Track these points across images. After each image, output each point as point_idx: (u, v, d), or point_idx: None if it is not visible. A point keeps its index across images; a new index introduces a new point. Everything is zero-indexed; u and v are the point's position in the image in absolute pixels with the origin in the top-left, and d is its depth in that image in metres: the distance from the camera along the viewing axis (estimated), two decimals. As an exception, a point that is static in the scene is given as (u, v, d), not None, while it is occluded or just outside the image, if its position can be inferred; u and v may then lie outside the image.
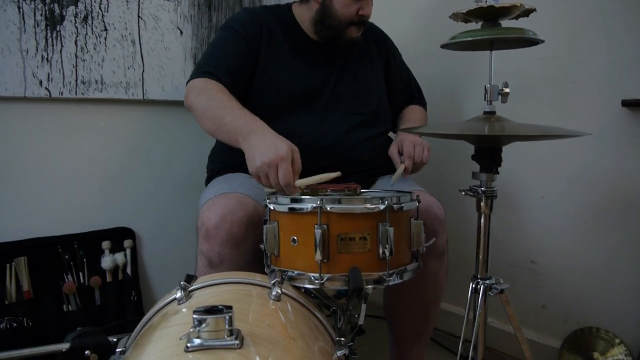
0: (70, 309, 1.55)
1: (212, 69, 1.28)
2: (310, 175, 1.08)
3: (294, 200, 0.97)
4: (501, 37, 0.91)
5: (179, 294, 0.86)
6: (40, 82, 1.50)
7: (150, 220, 1.75)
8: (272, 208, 0.99)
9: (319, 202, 0.92)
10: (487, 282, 0.98)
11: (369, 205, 0.93)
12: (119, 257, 1.65)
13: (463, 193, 0.99)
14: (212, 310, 0.67)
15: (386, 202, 0.93)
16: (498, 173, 0.98)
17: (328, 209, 0.92)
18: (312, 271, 0.94)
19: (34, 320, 1.48)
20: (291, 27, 1.42)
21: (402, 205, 0.97)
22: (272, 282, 0.90)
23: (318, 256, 0.91)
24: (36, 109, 1.52)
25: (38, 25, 1.48)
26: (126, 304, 1.64)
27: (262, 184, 1.07)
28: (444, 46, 0.97)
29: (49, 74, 1.51)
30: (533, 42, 0.93)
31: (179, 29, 1.74)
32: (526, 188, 1.58)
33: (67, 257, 1.57)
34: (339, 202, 0.94)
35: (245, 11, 1.43)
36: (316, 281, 0.93)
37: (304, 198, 0.96)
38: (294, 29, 1.42)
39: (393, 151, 1.36)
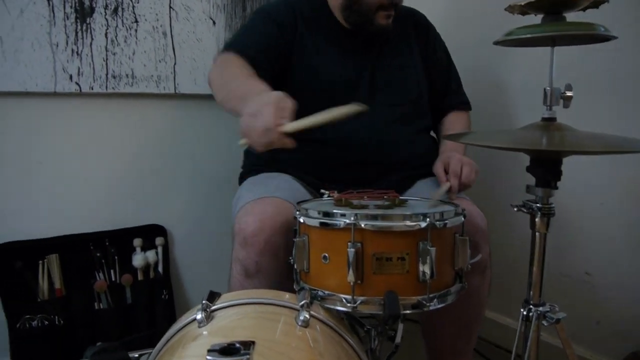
0: (101, 307, 1.53)
1: (235, 45, 1.25)
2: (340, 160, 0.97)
3: (325, 215, 0.88)
4: (567, 34, 0.78)
5: (199, 316, 0.80)
6: (71, 77, 1.47)
7: (182, 217, 1.71)
8: (301, 221, 0.91)
9: (352, 219, 0.83)
10: (541, 309, 0.88)
11: (408, 223, 0.84)
12: (151, 255, 1.61)
13: (515, 209, 0.88)
14: (228, 350, 0.60)
15: (428, 219, 0.84)
16: (557, 188, 0.86)
17: (363, 226, 0.84)
18: (345, 292, 0.86)
19: (66, 318, 1.46)
20: (324, 15, 1.35)
21: (446, 221, 0.88)
22: (301, 304, 0.82)
23: (351, 277, 0.83)
24: (66, 104, 1.49)
25: (68, 18, 1.44)
26: (157, 303, 1.61)
27: (247, 142, 0.93)
28: (497, 43, 0.86)
29: (79, 68, 1.48)
30: (604, 38, 0.80)
31: (211, 19, 1.67)
32: (583, 192, 1.44)
33: (98, 254, 1.55)
34: (375, 218, 0.85)
35: (279, 0, 1.36)
36: (348, 304, 0.85)
37: (336, 212, 0.87)
38: (328, 17, 1.35)
39: (438, 168, 1.25)
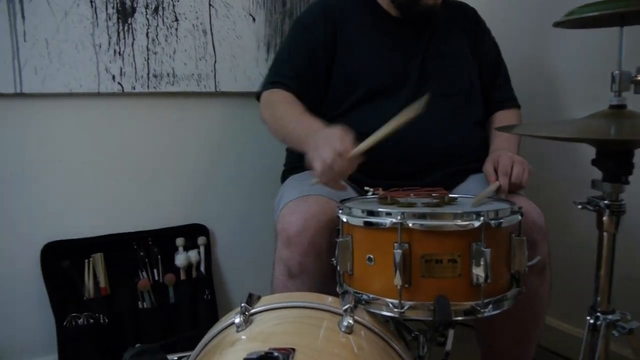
0: (144, 306, 1.53)
1: (278, 77, 1.27)
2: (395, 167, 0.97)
3: (370, 213, 0.83)
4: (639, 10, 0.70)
5: (237, 320, 0.76)
6: (113, 77, 1.47)
7: (224, 216, 1.69)
8: (345, 220, 0.87)
9: (399, 218, 0.78)
10: (610, 317, 0.79)
11: (460, 222, 0.78)
12: (193, 254, 1.61)
13: (579, 207, 0.80)
14: (266, 359, 0.56)
15: (482, 218, 0.77)
16: (628, 183, 0.77)
17: (410, 225, 0.78)
18: (391, 297, 0.80)
19: (110, 316, 1.47)
20: (369, 5, 1.31)
21: (501, 220, 0.81)
22: (344, 308, 0.78)
23: (397, 280, 0.78)
24: (109, 104, 1.49)
25: (110, 19, 1.45)
26: (200, 303, 1.60)
27: (318, 178, 0.96)
28: (558, 25, 0.78)
29: (121, 69, 1.48)
30: (683, 14, 0.71)
31: (251, 15, 1.64)
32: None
33: (141, 253, 1.55)
34: (424, 217, 0.79)
35: (316, 4, 1.33)
36: (395, 309, 0.79)
37: (382, 211, 0.82)
38: (372, 7, 1.31)
39: (488, 167, 1.17)
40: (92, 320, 1.45)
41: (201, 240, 1.63)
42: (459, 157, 1.24)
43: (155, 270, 1.57)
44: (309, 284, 1.00)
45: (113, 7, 1.45)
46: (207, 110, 1.64)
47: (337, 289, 0.90)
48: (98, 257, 1.49)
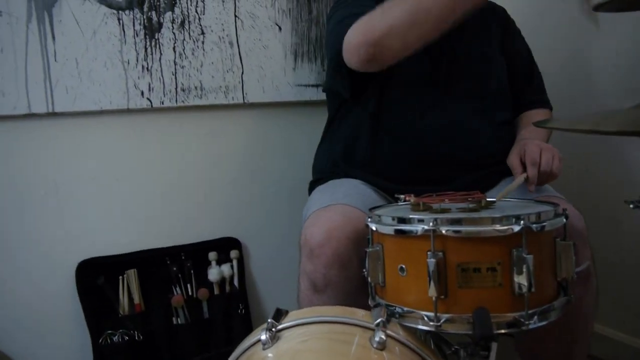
0: (179, 322, 1.52)
1: (355, 8, 1.09)
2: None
3: (401, 221, 0.78)
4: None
5: (263, 337, 0.72)
6: (142, 93, 1.48)
7: (257, 229, 1.67)
8: (374, 229, 0.82)
9: (431, 224, 0.73)
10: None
11: (498, 227, 0.72)
12: (226, 268, 1.59)
13: (632, 206, 0.73)
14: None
15: (522, 222, 0.71)
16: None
17: (443, 232, 0.72)
18: (426, 309, 0.75)
19: (145, 333, 1.46)
20: None
21: (544, 224, 0.74)
22: (376, 322, 0.73)
23: (432, 292, 0.72)
24: (139, 120, 1.50)
25: (137, 35, 1.46)
26: (234, 318, 1.58)
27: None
28: (598, 7, 0.72)
29: (149, 84, 1.49)
30: None
31: (277, 25, 1.63)
32: None
33: (175, 268, 1.54)
34: (458, 222, 0.73)
35: None
36: (431, 323, 0.74)
37: (413, 217, 0.77)
38: None
39: (513, 159, 1.10)
40: (127, 337, 1.44)
41: (234, 253, 1.61)
42: (491, 159, 1.18)
43: (188, 285, 1.55)
44: (336, 298, 0.96)
45: (140, 24, 1.46)
46: (236, 122, 1.62)
47: (369, 302, 0.85)
48: (132, 273, 1.49)
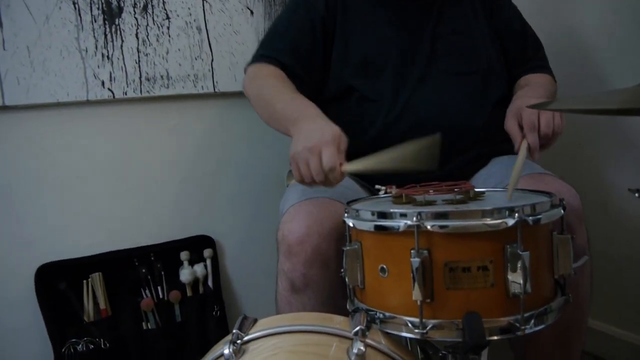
0: (149, 327, 1.42)
1: (270, 51, 1.14)
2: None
3: (381, 215, 0.70)
4: None
5: (227, 351, 0.64)
6: (103, 83, 1.37)
7: (232, 226, 1.57)
8: (351, 225, 0.74)
9: (415, 219, 0.64)
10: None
11: (489, 221, 0.64)
12: (199, 268, 1.49)
13: (637, 195, 0.65)
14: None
15: (516, 214, 0.63)
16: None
17: (429, 227, 0.64)
18: (411, 314, 0.67)
19: (112, 340, 1.36)
20: None
21: (540, 216, 0.67)
22: (354, 331, 0.65)
23: (417, 295, 0.64)
24: (100, 112, 1.39)
25: (95, 21, 1.35)
26: (209, 320, 1.49)
27: (296, 176, 0.88)
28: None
29: (110, 73, 1.38)
30: None
31: (248, 8, 1.53)
32: None
33: (144, 270, 1.44)
34: (445, 216, 0.65)
35: None
36: (416, 329, 0.66)
37: (395, 212, 0.68)
38: None
39: (511, 124, 1.01)
40: (92, 346, 1.34)
41: (207, 252, 1.52)
42: (481, 140, 1.10)
43: (159, 288, 1.46)
44: (316, 299, 0.89)
45: (98, 8, 1.35)
46: (206, 113, 1.53)
47: (347, 306, 0.77)
48: (97, 277, 1.39)
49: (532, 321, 0.65)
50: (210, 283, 1.51)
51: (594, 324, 1.44)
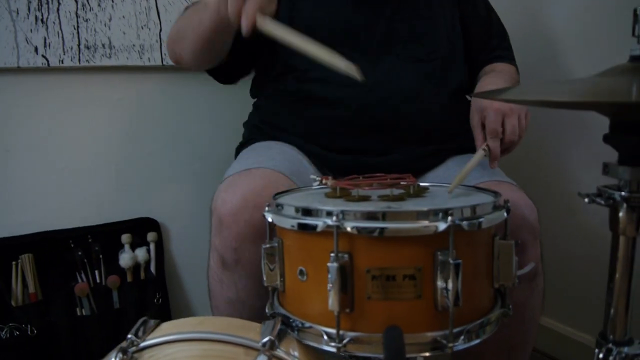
0: (83, 313, 1.33)
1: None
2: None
3: (305, 212, 0.61)
4: None
5: (114, 362, 0.55)
6: (36, 49, 1.26)
7: (178, 208, 1.48)
8: (270, 220, 0.65)
9: (334, 219, 0.56)
10: (627, 350, 0.58)
11: (419, 224, 0.56)
12: (141, 252, 1.40)
13: (587, 200, 0.58)
14: None
15: (449, 217, 0.56)
16: (654, 167, 0.55)
17: (348, 229, 0.56)
18: (328, 325, 0.59)
19: (41, 327, 1.27)
20: None
21: (480, 220, 0.59)
22: (262, 342, 0.57)
23: (333, 304, 0.56)
24: (33, 81, 1.28)
25: (28, -21, 1.23)
26: (149, 308, 1.40)
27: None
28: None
29: (45, 39, 1.26)
30: None
31: (203, -25, 1.41)
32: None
33: (80, 253, 1.35)
34: (370, 217, 0.57)
35: None
36: (332, 342, 0.58)
37: (319, 208, 0.60)
38: None
39: (475, 121, 0.94)
40: (17, 332, 1.25)
41: (151, 236, 1.43)
42: (436, 132, 1.03)
43: (96, 272, 1.37)
44: (248, 278, 0.82)
45: (32, -35, 1.22)
46: (153, 87, 1.42)
47: (266, 310, 0.69)
48: (27, 258, 1.29)
49: (463, 337, 0.58)
50: (152, 269, 1.42)
51: (546, 321, 1.40)
